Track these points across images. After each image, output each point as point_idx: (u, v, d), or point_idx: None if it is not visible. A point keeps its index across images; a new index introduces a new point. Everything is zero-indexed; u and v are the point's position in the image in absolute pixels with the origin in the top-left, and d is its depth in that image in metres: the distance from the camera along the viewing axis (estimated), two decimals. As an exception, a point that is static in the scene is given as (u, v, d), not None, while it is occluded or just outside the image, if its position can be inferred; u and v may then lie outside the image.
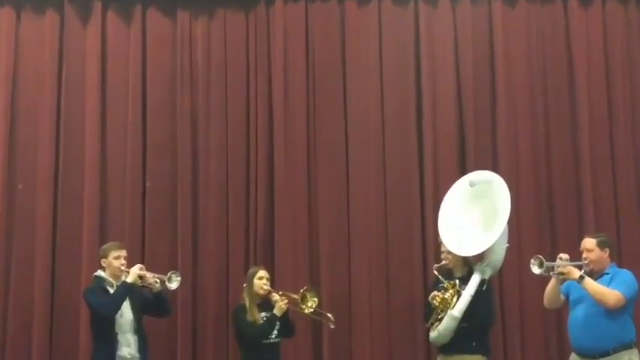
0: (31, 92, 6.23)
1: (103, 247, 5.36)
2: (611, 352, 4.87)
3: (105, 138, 6.21)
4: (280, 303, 5.25)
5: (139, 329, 5.17)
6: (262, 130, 6.26)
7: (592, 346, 4.91)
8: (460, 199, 5.58)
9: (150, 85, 6.28)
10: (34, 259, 6.02)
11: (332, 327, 5.52)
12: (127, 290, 5.10)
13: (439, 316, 5.26)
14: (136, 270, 5.15)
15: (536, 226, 6.21)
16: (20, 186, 6.14)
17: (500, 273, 5.77)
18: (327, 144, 6.34)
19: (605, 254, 5.08)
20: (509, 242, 5.46)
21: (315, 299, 5.34)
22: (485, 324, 5.33)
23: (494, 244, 5.30)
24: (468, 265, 5.38)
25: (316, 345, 6.07)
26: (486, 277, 5.29)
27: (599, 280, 4.99)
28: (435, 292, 5.31)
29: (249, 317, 5.29)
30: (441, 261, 5.47)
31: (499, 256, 5.38)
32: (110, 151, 6.21)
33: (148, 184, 6.16)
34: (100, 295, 5.11)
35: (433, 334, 5.29)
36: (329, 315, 5.45)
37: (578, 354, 5.02)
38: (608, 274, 5.02)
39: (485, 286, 5.27)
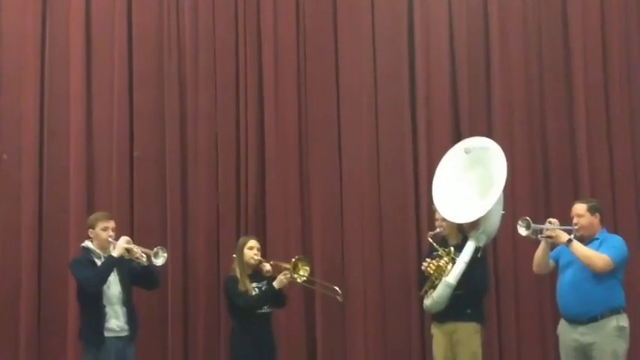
0: (13, 57, 6.09)
1: (91, 217, 5.28)
2: (599, 317, 4.88)
3: (90, 106, 6.09)
4: (282, 277, 5.22)
5: (127, 301, 5.12)
6: (252, 97, 6.16)
7: (580, 311, 4.91)
8: (455, 165, 5.55)
9: (136, 51, 6.15)
10: (20, 231, 5.94)
11: (340, 300, 5.47)
12: (113, 264, 5.04)
13: (433, 284, 5.24)
14: (123, 243, 5.08)
15: (530, 194, 6.17)
16: (5, 156, 6.02)
17: (495, 240, 5.75)
18: (319, 112, 6.25)
19: (596, 220, 5.06)
20: (504, 210, 5.43)
21: (307, 268, 5.30)
22: (480, 291, 5.34)
23: (489, 211, 5.27)
24: (463, 232, 5.37)
25: (309, 315, 6.04)
26: (481, 244, 5.28)
27: (589, 245, 4.97)
28: (430, 260, 5.29)
29: (241, 287, 5.26)
30: (436, 229, 5.44)
31: (494, 223, 5.37)
32: (96, 119, 6.09)
33: (135, 153, 6.06)
34: (87, 268, 5.05)
35: (427, 301, 5.28)
36: (336, 288, 5.41)
37: (567, 319, 5.03)
38: (597, 239, 5.02)
39: (480, 254, 5.26)
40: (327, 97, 6.27)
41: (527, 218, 4.98)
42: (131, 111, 6.10)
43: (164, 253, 5.15)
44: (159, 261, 5.13)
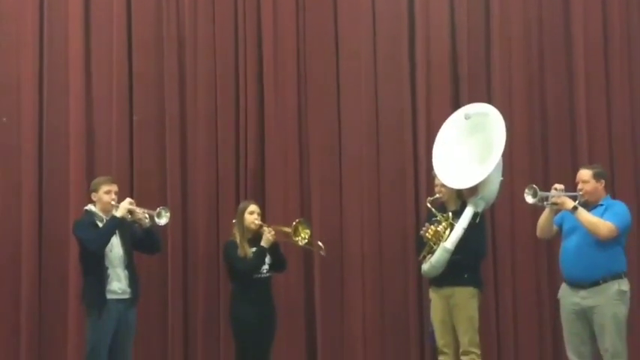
0: (11, 20, 6.04)
1: (94, 181, 5.28)
2: (601, 281, 4.92)
3: (90, 70, 6.06)
4: (267, 235, 5.25)
5: (129, 264, 5.13)
6: (251, 61, 6.13)
7: (583, 275, 4.95)
8: (455, 131, 5.54)
9: (135, 15, 6.10)
10: (20, 195, 5.93)
11: (323, 254, 5.53)
12: (116, 225, 5.05)
13: (431, 249, 5.27)
14: (126, 204, 5.09)
15: (529, 159, 6.17)
16: (4, 119, 6.00)
17: (492, 206, 5.76)
18: (318, 77, 6.22)
19: (601, 186, 5.08)
20: (503, 176, 5.44)
21: (308, 231, 5.34)
22: (478, 257, 5.37)
23: (488, 176, 5.28)
24: (462, 198, 5.38)
25: (308, 279, 6.07)
26: (479, 210, 5.30)
27: (593, 211, 5.00)
28: (428, 225, 5.31)
29: (240, 252, 5.29)
30: (435, 195, 5.45)
31: (493, 189, 5.37)
32: (95, 83, 6.06)
33: (135, 117, 6.03)
34: (90, 229, 5.06)
35: (425, 266, 5.31)
36: (319, 243, 5.45)
37: (569, 284, 5.07)
38: (602, 205, 5.04)
39: (478, 219, 5.28)
40: (327, 63, 6.23)
41: (534, 186, 4.97)
42: (130, 75, 6.06)
43: (167, 212, 5.15)
44: (162, 221, 5.13)
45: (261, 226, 5.38)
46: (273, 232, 5.25)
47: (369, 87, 6.22)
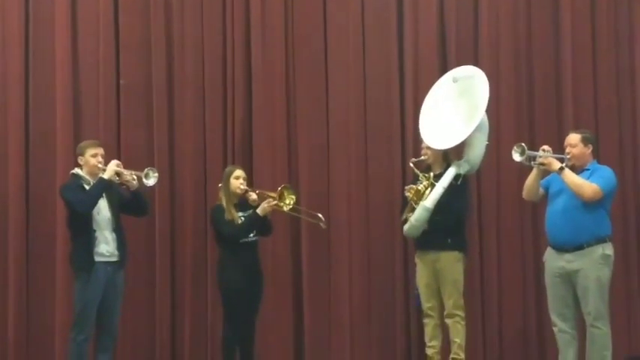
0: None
1: (80, 144, 5.27)
2: (585, 245, 4.98)
3: (76, 34, 6.00)
4: (265, 205, 5.25)
5: (117, 228, 5.14)
6: (239, 26, 6.09)
7: (568, 239, 5.01)
8: (443, 94, 5.56)
9: (121, -22, 6.06)
10: (7, 161, 5.91)
11: (323, 226, 5.53)
12: (104, 186, 5.04)
13: (413, 209, 5.32)
14: (113, 166, 5.08)
15: (515, 125, 6.19)
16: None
17: (479, 170, 5.80)
18: (306, 41, 6.20)
19: (588, 150, 5.13)
20: (489, 141, 5.47)
21: (293, 196, 5.34)
22: (458, 218, 5.40)
23: (472, 139, 5.32)
24: (448, 161, 5.42)
25: (295, 243, 6.10)
26: (462, 171, 5.34)
27: (579, 175, 5.04)
28: (411, 185, 5.35)
29: (227, 216, 5.30)
30: (420, 157, 5.49)
31: (478, 152, 5.41)
32: (81, 47, 6.01)
33: (121, 81, 6.00)
34: (77, 191, 5.05)
35: (406, 226, 5.35)
36: (320, 215, 5.46)
37: (554, 247, 5.12)
38: (588, 169, 5.09)
39: (460, 181, 5.31)
40: (315, 31, 6.21)
41: (523, 144, 5.01)
42: (117, 38, 6.02)
43: (154, 173, 5.14)
44: (150, 181, 5.12)
45: (246, 191, 5.39)
46: (272, 203, 5.24)
47: (356, 53, 6.20)
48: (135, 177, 5.12)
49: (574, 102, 6.23)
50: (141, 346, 5.92)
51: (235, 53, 6.08)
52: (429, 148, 5.43)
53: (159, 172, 5.23)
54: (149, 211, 5.48)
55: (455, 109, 5.48)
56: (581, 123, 6.02)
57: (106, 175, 5.04)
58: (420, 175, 5.37)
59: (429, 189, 5.30)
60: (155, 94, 6.03)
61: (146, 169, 5.13)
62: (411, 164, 5.46)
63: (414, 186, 5.35)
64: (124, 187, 5.19)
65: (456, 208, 5.34)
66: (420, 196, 5.30)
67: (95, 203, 5.01)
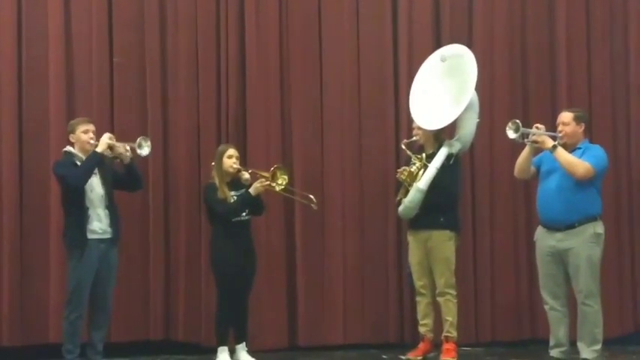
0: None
1: (71, 122, 5.27)
2: (576, 224, 5.02)
3: (69, 11, 5.95)
4: (258, 185, 5.26)
5: (110, 204, 5.15)
6: (233, 3, 6.07)
7: (559, 217, 5.04)
8: (432, 75, 5.56)
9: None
10: (0, 139, 5.85)
11: (315, 207, 5.53)
12: (97, 160, 5.04)
13: (407, 191, 5.33)
14: (105, 139, 5.07)
15: (509, 104, 6.20)
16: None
17: (472, 149, 5.81)
18: (300, 21, 6.18)
19: (580, 129, 5.15)
20: (479, 118, 5.47)
21: (286, 177, 5.33)
22: (450, 198, 5.42)
23: (463, 118, 5.33)
24: (439, 141, 5.43)
25: (288, 222, 6.11)
26: (454, 151, 5.35)
27: (571, 153, 5.06)
28: (404, 167, 5.36)
29: (220, 195, 5.31)
30: (412, 137, 5.50)
31: (469, 130, 5.43)
32: (75, 24, 5.96)
33: (115, 59, 5.97)
34: (70, 167, 5.05)
35: (400, 208, 5.37)
36: (311, 196, 5.46)
37: (545, 226, 5.16)
38: (580, 148, 5.11)
39: (452, 160, 5.33)
40: (309, 6, 6.19)
41: (517, 121, 5.03)
42: (110, 16, 5.98)
43: (147, 142, 5.13)
44: (144, 151, 5.11)
45: (239, 170, 5.40)
46: (265, 183, 5.24)
47: (351, 35, 6.20)
48: (128, 148, 5.11)
49: (567, 81, 6.23)
50: (135, 323, 5.92)
51: (229, 30, 6.06)
52: (420, 128, 5.44)
53: (153, 148, 5.22)
54: (143, 185, 5.47)
55: (444, 89, 5.49)
56: (574, 102, 6.02)
57: (99, 149, 5.02)
58: (413, 156, 5.38)
59: (422, 170, 5.32)
60: (148, 72, 6.01)
61: (138, 139, 5.10)
62: (403, 146, 5.48)
63: (407, 168, 5.36)
64: (118, 160, 5.17)
65: (448, 186, 5.36)
66: (413, 177, 5.32)
67: (88, 177, 5.00)
